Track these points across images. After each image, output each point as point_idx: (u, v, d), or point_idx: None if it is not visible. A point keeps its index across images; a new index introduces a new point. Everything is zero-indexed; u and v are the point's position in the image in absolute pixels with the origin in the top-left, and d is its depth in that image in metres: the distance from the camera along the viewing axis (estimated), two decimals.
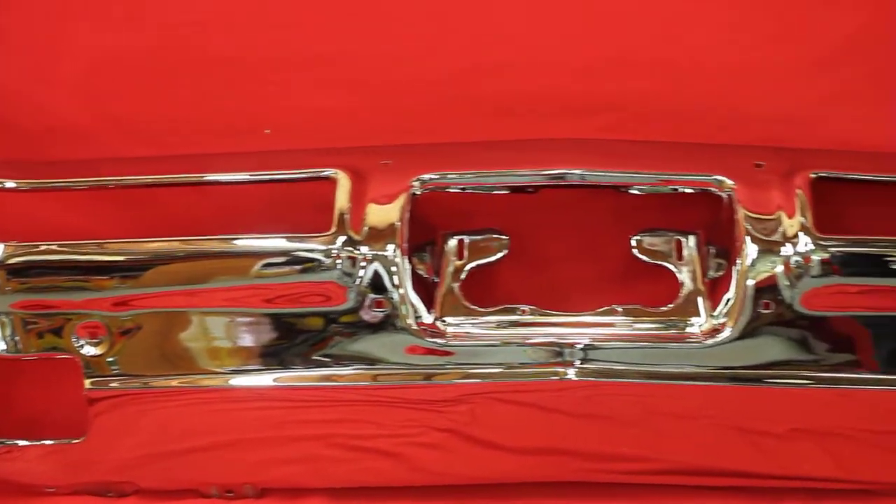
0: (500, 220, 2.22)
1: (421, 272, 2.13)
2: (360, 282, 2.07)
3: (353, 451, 2.15)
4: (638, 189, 2.13)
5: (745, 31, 2.20)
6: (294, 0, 2.25)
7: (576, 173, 2.11)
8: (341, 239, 2.08)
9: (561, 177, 2.11)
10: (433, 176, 2.13)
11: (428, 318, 2.09)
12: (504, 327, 2.12)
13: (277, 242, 2.10)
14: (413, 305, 2.08)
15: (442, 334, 2.09)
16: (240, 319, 2.11)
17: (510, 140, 2.19)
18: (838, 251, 2.05)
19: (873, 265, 2.06)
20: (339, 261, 2.07)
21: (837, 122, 2.21)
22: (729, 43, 2.20)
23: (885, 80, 2.20)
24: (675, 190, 2.13)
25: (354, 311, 2.08)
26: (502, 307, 2.12)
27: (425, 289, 2.12)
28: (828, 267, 2.04)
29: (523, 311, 2.12)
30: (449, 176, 2.13)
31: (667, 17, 2.19)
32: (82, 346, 2.12)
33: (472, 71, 2.23)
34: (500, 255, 2.20)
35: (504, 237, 2.20)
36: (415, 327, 2.08)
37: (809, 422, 2.11)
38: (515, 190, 2.14)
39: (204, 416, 2.15)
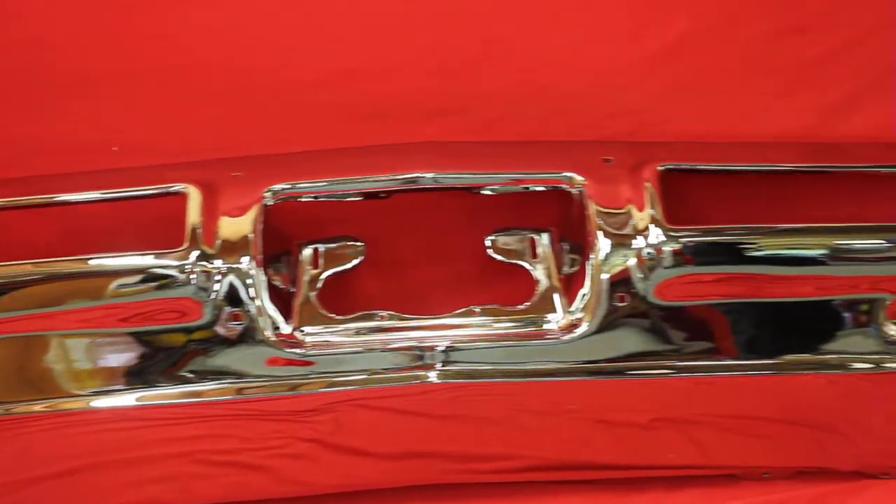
0: (355, 226, 2.23)
1: (277, 283, 2.14)
2: (216, 296, 2.07)
3: (219, 467, 2.15)
4: (490, 189, 2.16)
5: (588, 28, 2.23)
6: (138, 12, 2.22)
7: (428, 176, 2.13)
8: (195, 254, 2.08)
9: (414, 180, 2.13)
10: (284, 186, 2.13)
11: (286, 329, 2.10)
12: (363, 334, 2.12)
13: (131, 260, 2.10)
14: (270, 317, 2.09)
15: (301, 344, 2.10)
16: (98, 340, 2.10)
17: (361, 146, 2.20)
18: (689, 241, 2.09)
19: (724, 253, 2.11)
20: (193, 276, 2.07)
21: (682, 114, 2.25)
22: (573, 40, 2.23)
23: (722, 73, 2.25)
24: (527, 188, 2.16)
25: (212, 325, 2.08)
26: (360, 314, 2.13)
27: (282, 299, 2.13)
28: (679, 257, 2.08)
29: (382, 317, 2.13)
30: (300, 185, 2.14)
31: (513, 18, 2.21)
32: None
33: (326, 78, 2.23)
34: (355, 261, 2.20)
35: (359, 244, 2.21)
36: (273, 339, 2.09)
37: (670, 411, 2.16)
38: (369, 196, 2.15)
39: (66, 440, 2.13)
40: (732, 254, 2.11)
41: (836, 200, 2.26)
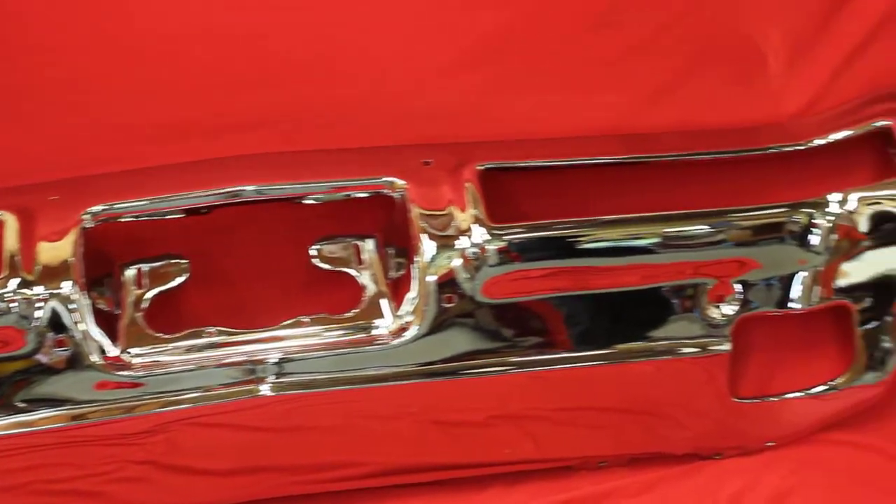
0: (178, 244, 2.23)
1: (102, 306, 2.14)
2: (39, 323, 2.06)
3: (55, 496, 2.14)
4: (313, 199, 2.17)
5: (398, 31, 2.25)
6: None
7: (249, 189, 2.15)
8: (14, 281, 2.07)
9: (236, 194, 2.14)
10: (103, 207, 2.13)
11: (113, 352, 2.10)
12: (193, 351, 2.13)
13: None
14: (97, 341, 2.09)
15: (129, 366, 2.10)
16: None
17: (180, 163, 2.19)
18: (513, 238, 2.14)
19: (550, 248, 2.16)
20: (13, 304, 2.06)
21: (498, 113, 2.29)
22: (383, 44, 2.25)
23: (535, 70, 2.29)
24: (349, 196, 2.18)
25: (37, 353, 2.07)
26: (188, 332, 2.14)
27: (108, 322, 2.12)
28: (505, 255, 2.13)
29: (210, 333, 2.14)
30: (119, 205, 2.13)
31: (318, 26, 2.22)
32: None
33: (127, 96, 2.21)
34: (180, 279, 2.20)
35: (183, 261, 2.20)
36: (101, 363, 2.08)
37: (506, 407, 2.21)
38: (190, 212, 2.16)
39: None
40: (558, 248, 2.16)
41: (655, 189, 2.32)
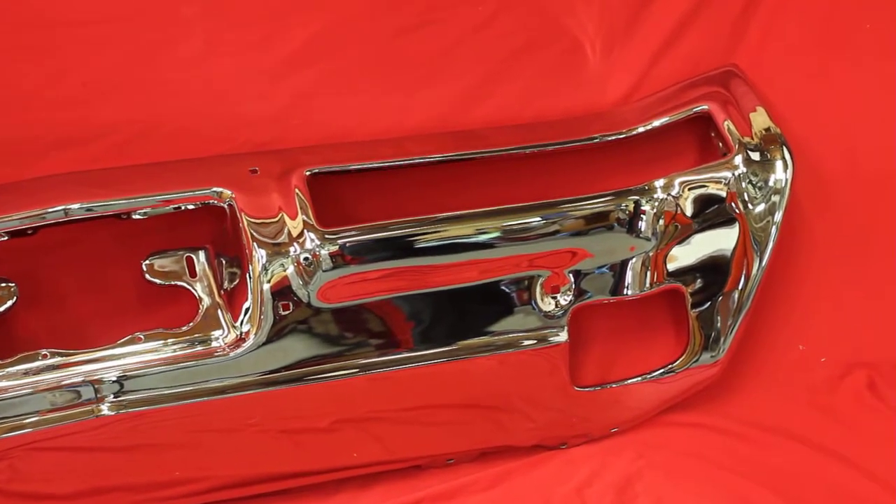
0: (5, 266, 2.28)
1: None
2: None
3: None
4: (141, 213, 2.25)
5: (215, 40, 2.36)
6: None
7: (76, 207, 2.21)
8: None
9: (63, 212, 2.21)
10: None
11: None
12: (29, 375, 2.20)
13: None
14: None
15: None
16: None
17: (3, 184, 2.26)
18: (346, 242, 2.25)
19: (383, 249, 2.27)
20: None
21: (321, 117, 2.41)
22: (203, 52, 2.35)
23: (354, 72, 2.43)
24: (179, 208, 2.27)
25: None
26: (21, 356, 2.21)
27: None
28: (339, 259, 2.24)
29: (45, 356, 2.21)
30: None
31: (135, 36, 2.32)
32: None
33: None
34: (9, 303, 2.26)
35: (11, 284, 2.26)
36: None
37: (350, 411, 2.32)
38: (15, 234, 2.21)
39: None
40: (392, 248, 2.28)
41: (484, 184, 2.47)
